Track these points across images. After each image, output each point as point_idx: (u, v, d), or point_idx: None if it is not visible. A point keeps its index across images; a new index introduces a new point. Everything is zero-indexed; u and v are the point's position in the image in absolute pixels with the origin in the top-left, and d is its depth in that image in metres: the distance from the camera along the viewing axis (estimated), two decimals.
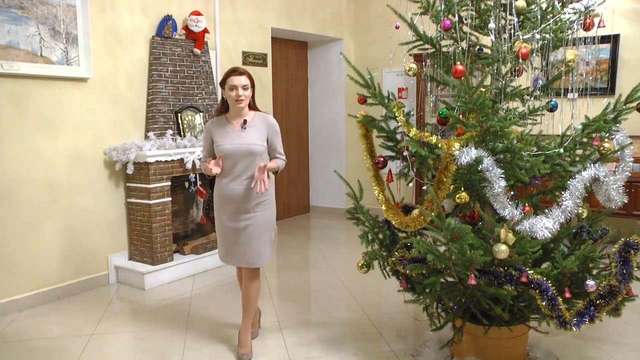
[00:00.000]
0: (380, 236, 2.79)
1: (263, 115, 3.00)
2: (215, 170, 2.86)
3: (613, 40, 5.10)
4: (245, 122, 2.91)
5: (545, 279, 2.28)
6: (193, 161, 4.37)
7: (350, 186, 2.88)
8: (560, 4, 2.61)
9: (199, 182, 4.55)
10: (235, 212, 2.92)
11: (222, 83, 2.89)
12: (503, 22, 2.61)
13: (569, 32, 2.57)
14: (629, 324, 3.29)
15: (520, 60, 2.43)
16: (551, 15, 2.58)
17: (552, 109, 2.63)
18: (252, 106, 3.00)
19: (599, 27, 2.51)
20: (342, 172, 6.75)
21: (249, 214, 2.92)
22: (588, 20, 2.52)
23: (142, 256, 4.32)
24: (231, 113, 2.95)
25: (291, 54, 6.76)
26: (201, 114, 4.72)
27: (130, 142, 4.18)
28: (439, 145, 2.41)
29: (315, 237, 5.99)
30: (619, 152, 2.47)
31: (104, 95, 4.20)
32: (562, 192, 2.41)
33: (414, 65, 2.72)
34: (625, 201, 2.45)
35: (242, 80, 2.85)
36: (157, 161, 4.17)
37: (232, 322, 3.50)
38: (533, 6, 2.61)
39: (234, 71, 2.87)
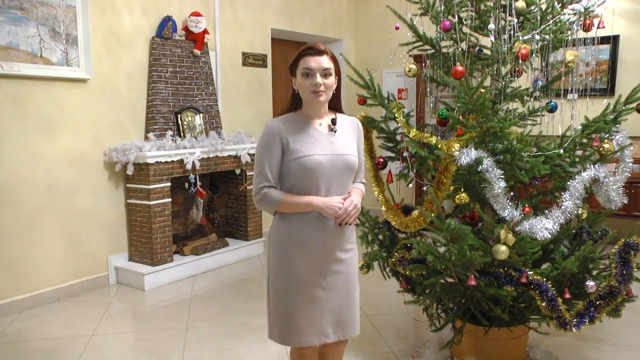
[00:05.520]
0: (380, 237, 2.79)
1: (348, 117, 2.11)
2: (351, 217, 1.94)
3: (613, 41, 5.10)
4: (334, 122, 2.01)
5: (545, 279, 2.28)
6: (193, 162, 4.37)
7: None
8: (559, 4, 2.62)
9: (198, 183, 4.55)
10: (323, 261, 1.97)
11: (292, 67, 1.97)
12: (503, 23, 2.61)
13: (569, 33, 2.57)
14: (629, 325, 3.29)
15: (520, 61, 2.43)
16: (551, 16, 2.59)
17: (552, 109, 2.64)
18: (336, 105, 2.07)
19: (598, 28, 2.51)
20: None
21: (341, 262, 2.01)
22: (587, 21, 2.52)
23: (142, 257, 4.32)
24: (305, 112, 2.01)
25: (291, 54, 6.74)
26: (201, 114, 4.72)
27: (130, 143, 4.18)
28: (439, 146, 2.41)
29: None
30: (618, 153, 2.47)
31: (103, 96, 4.20)
32: (562, 193, 2.41)
33: (413, 66, 2.73)
34: (625, 202, 2.45)
35: (323, 62, 1.91)
36: (157, 162, 4.17)
37: (232, 322, 3.50)
38: (533, 7, 2.61)
39: (309, 49, 1.93)
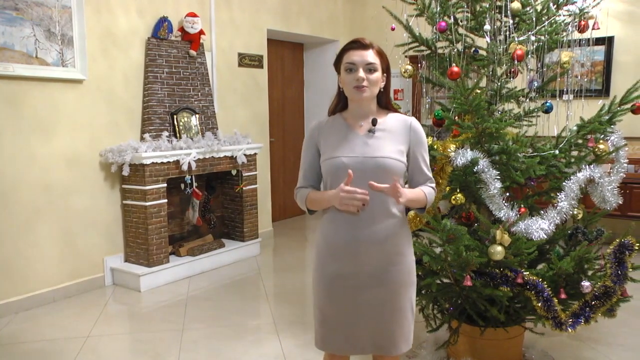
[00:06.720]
0: None
1: (403, 116, 1.94)
2: (357, 200, 1.75)
3: (607, 42, 5.13)
4: (375, 122, 1.87)
5: (540, 280, 2.29)
6: (189, 163, 4.36)
7: None
8: (555, 6, 2.63)
9: (194, 184, 4.54)
10: (357, 274, 1.84)
11: (337, 64, 1.89)
12: (498, 24, 2.62)
13: (564, 34, 2.58)
14: (624, 325, 3.30)
15: (516, 62, 2.44)
16: (546, 17, 2.60)
17: (548, 110, 2.65)
18: (387, 104, 1.94)
19: (593, 29, 2.53)
20: None
21: (381, 275, 1.85)
22: (582, 22, 2.53)
23: (138, 258, 4.31)
24: (351, 111, 1.92)
25: (287, 55, 6.76)
26: (197, 115, 4.71)
27: (126, 143, 4.17)
28: (435, 146, 2.42)
29: (311, 238, 5.99)
30: (613, 154, 2.49)
31: (99, 96, 4.19)
32: (558, 194, 2.42)
33: (409, 67, 2.73)
34: (620, 202, 2.47)
35: (367, 56, 1.81)
36: (152, 163, 4.16)
37: (228, 323, 3.49)
38: (528, 8, 2.62)
39: (353, 43, 1.84)
